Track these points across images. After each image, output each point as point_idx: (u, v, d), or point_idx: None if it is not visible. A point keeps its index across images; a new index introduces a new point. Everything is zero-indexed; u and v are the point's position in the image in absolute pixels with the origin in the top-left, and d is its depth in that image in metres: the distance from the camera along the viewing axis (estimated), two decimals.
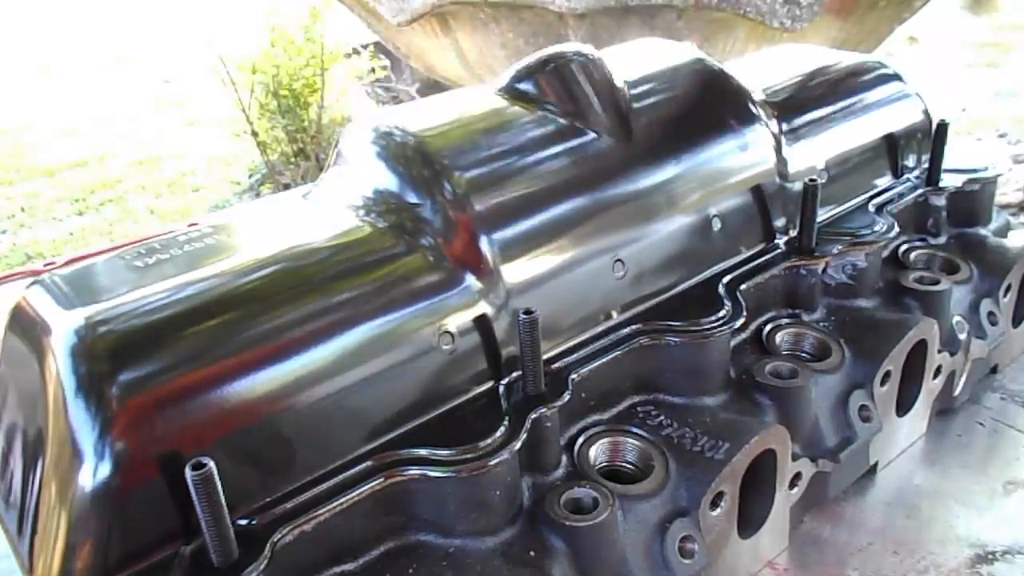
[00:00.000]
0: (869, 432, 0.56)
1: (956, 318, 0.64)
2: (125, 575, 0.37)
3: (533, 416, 0.45)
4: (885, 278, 0.65)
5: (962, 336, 0.64)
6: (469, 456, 0.42)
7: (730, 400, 0.54)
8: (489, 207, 0.49)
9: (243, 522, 0.39)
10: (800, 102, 0.69)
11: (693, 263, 0.57)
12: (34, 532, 0.40)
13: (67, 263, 0.80)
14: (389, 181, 0.50)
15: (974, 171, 0.72)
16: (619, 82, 0.57)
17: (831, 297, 0.63)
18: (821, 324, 0.61)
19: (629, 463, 0.50)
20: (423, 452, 0.43)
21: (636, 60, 0.63)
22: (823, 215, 0.64)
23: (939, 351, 0.61)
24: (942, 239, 0.72)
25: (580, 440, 0.50)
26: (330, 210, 0.50)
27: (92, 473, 0.36)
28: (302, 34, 3.24)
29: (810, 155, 0.66)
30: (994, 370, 0.70)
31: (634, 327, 0.52)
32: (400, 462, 0.42)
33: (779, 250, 0.61)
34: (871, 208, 0.67)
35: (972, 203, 0.73)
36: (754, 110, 0.62)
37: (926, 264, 0.68)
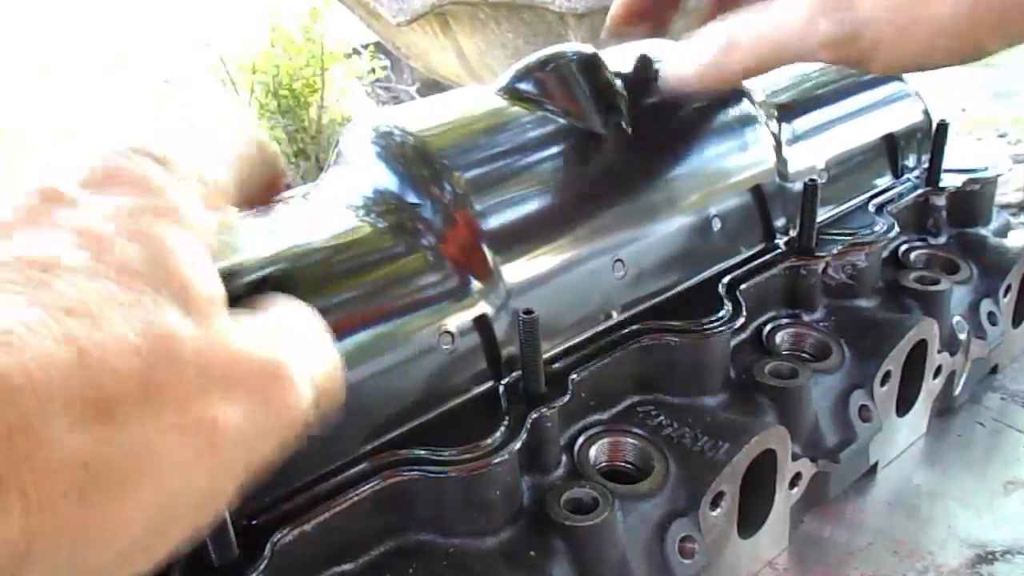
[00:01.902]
0: (869, 432, 0.56)
1: (956, 318, 0.64)
2: None
3: (533, 416, 0.45)
4: (885, 278, 0.65)
5: (962, 336, 0.64)
6: (469, 456, 0.42)
7: (730, 400, 0.54)
8: (489, 207, 0.49)
9: (243, 522, 0.39)
10: (800, 102, 0.69)
11: (693, 263, 0.57)
12: None
13: None
14: (389, 181, 0.50)
15: (974, 171, 0.72)
16: (619, 82, 0.57)
17: (831, 297, 0.63)
18: (821, 324, 0.61)
19: (629, 463, 0.50)
20: (423, 452, 0.43)
21: (636, 60, 0.62)
22: (823, 215, 0.64)
23: (939, 351, 0.61)
24: (942, 239, 0.72)
25: (580, 440, 0.50)
26: (330, 210, 0.50)
27: None
28: (302, 34, 3.23)
29: (810, 155, 0.66)
30: (994, 370, 0.70)
31: (634, 327, 0.52)
32: (400, 462, 0.42)
33: (779, 250, 0.61)
34: (871, 208, 0.67)
35: (972, 203, 0.73)
36: (754, 110, 0.62)
37: (926, 264, 0.68)
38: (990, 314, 0.67)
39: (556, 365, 0.49)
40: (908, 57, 0.38)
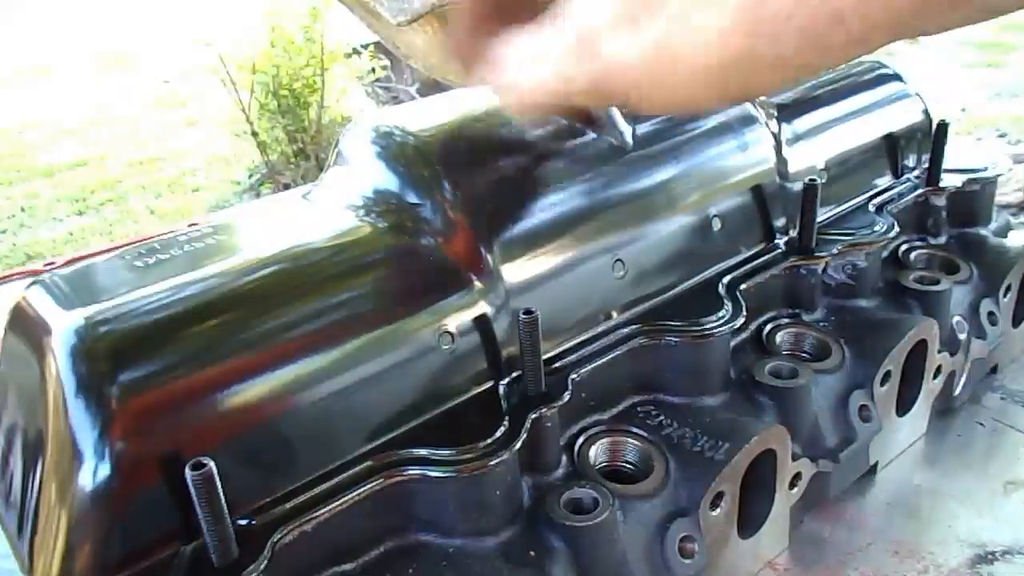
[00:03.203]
0: (869, 432, 0.56)
1: (956, 318, 0.64)
2: (125, 575, 0.37)
3: (533, 416, 0.45)
4: (885, 278, 0.65)
5: (962, 336, 0.64)
6: (469, 456, 0.42)
7: (730, 400, 0.54)
8: (489, 207, 0.49)
9: (243, 522, 0.39)
10: (800, 102, 0.69)
11: (693, 263, 0.57)
12: (34, 532, 0.40)
13: (67, 263, 0.80)
14: (389, 181, 0.50)
15: (974, 171, 0.72)
16: None
17: (831, 297, 0.63)
18: (821, 324, 0.61)
19: (629, 463, 0.50)
20: (423, 452, 0.43)
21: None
22: (823, 215, 0.64)
23: (939, 351, 0.61)
24: (942, 239, 0.72)
25: (580, 440, 0.50)
26: (330, 210, 0.50)
27: (92, 473, 0.36)
28: (302, 34, 3.23)
29: (810, 155, 0.66)
30: (994, 370, 0.70)
31: (634, 327, 0.52)
32: (400, 462, 0.42)
33: (779, 250, 0.61)
34: (871, 208, 0.67)
35: (972, 203, 0.73)
36: (753, 110, 0.62)
37: (926, 264, 0.69)
38: (990, 314, 0.67)
39: (556, 365, 0.49)
40: (670, 102, 0.34)
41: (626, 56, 0.32)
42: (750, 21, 0.29)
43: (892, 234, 0.63)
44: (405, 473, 0.42)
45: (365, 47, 3.52)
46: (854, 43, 0.29)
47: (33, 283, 0.43)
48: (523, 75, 0.37)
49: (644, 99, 0.34)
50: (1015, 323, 0.71)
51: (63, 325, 0.39)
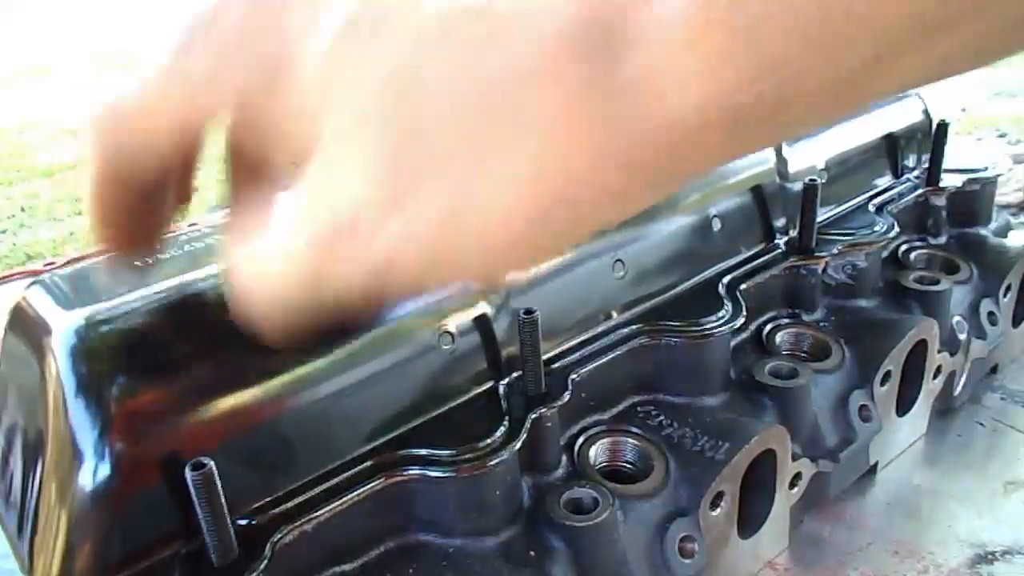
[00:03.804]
0: (869, 432, 0.56)
1: (956, 318, 0.64)
2: (125, 575, 0.37)
3: (533, 416, 0.45)
4: (885, 278, 0.65)
5: (962, 336, 0.64)
6: (469, 456, 0.42)
7: (730, 400, 0.54)
8: None
9: (243, 522, 0.39)
10: None
11: (693, 263, 0.57)
12: (34, 532, 0.40)
13: (67, 263, 0.80)
14: None
15: (974, 171, 0.72)
16: None
17: (831, 297, 0.63)
18: (821, 324, 0.61)
19: (629, 463, 0.50)
20: (423, 452, 0.43)
21: None
22: (823, 215, 0.64)
23: (939, 351, 0.61)
24: (942, 239, 0.72)
25: (580, 440, 0.50)
26: None
27: (92, 473, 0.36)
28: None
29: (810, 155, 0.66)
30: (994, 370, 0.70)
31: (634, 327, 0.52)
32: (400, 462, 0.42)
33: (779, 250, 0.61)
34: (871, 208, 0.68)
35: (972, 203, 0.73)
36: None
37: (926, 264, 0.69)
38: (990, 314, 0.67)
39: (556, 365, 0.49)
40: (473, 276, 0.29)
41: (392, 245, 0.26)
42: (543, 186, 0.24)
43: (892, 234, 0.63)
44: (405, 473, 0.42)
45: None
46: (661, 189, 0.26)
47: (33, 283, 0.43)
48: (267, 283, 0.29)
49: (439, 279, 0.28)
50: (1015, 323, 0.71)
51: (63, 325, 0.39)
